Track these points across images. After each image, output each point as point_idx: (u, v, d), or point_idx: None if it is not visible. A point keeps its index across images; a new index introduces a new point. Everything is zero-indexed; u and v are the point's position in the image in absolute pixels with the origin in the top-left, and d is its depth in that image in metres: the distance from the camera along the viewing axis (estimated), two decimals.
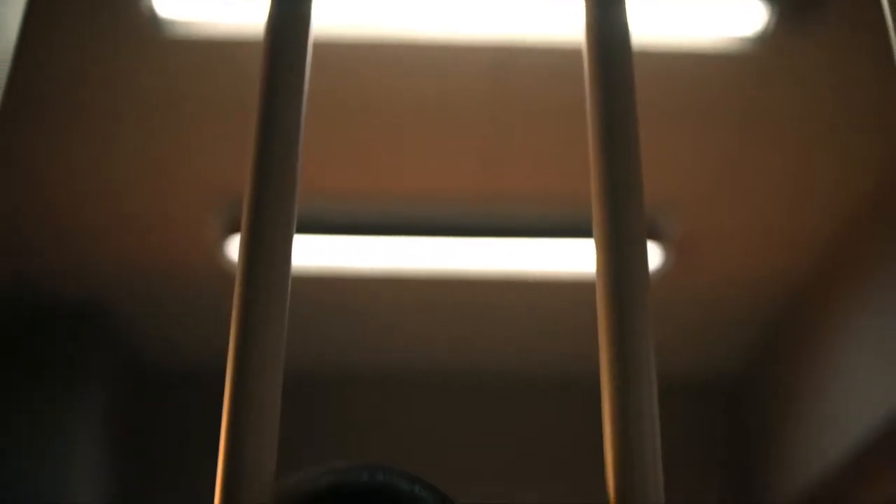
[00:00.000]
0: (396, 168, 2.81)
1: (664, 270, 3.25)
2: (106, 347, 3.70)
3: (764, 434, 3.94)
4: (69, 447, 3.50)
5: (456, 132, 2.65)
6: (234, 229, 3.04)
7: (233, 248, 3.09)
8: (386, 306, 3.53)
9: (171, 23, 2.29)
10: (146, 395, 4.10)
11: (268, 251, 0.44)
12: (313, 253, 3.08)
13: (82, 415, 3.57)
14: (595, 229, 0.50)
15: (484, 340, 3.78)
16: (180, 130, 2.63)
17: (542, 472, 3.94)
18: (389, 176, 2.85)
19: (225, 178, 2.84)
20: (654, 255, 3.12)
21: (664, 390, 4.19)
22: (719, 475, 4.13)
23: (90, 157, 2.72)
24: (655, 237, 3.07)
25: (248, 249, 0.45)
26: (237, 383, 0.43)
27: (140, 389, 4.08)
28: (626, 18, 0.52)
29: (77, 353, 3.57)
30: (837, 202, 2.92)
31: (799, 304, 3.50)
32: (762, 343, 3.86)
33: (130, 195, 2.91)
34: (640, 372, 0.47)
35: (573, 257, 3.10)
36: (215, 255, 3.19)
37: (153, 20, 2.29)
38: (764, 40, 2.34)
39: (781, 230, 3.10)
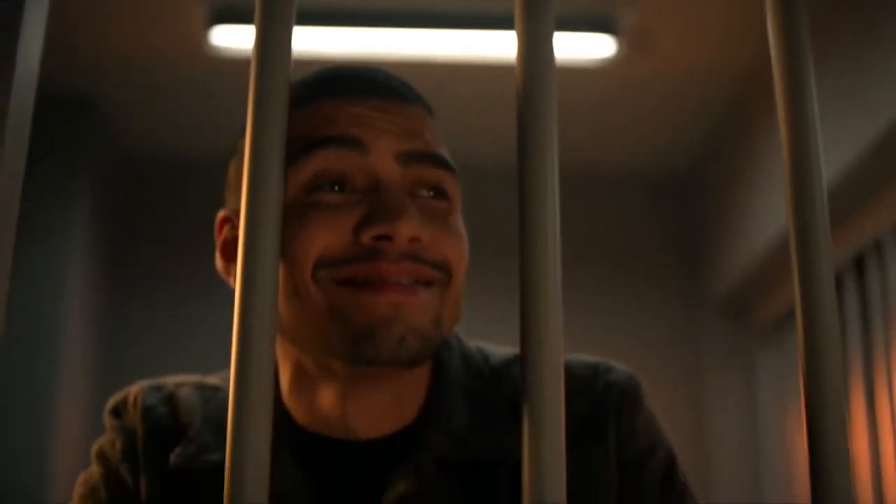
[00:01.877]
0: None
1: (616, 62, 3.33)
2: (92, 140, 3.75)
3: (713, 221, 4.13)
4: (56, 243, 3.60)
5: None
6: (216, 20, 3.07)
7: (216, 38, 3.13)
8: None
9: None
10: (132, 187, 4.19)
11: (272, 38, 0.57)
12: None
13: (68, 208, 3.65)
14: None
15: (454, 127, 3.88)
16: None
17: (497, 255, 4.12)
18: None
19: None
20: (607, 47, 3.20)
21: (617, 180, 4.35)
22: (670, 262, 4.33)
23: None
24: (607, 29, 3.13)
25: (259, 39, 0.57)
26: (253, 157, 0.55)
27: (125, 181, 4.17)
28: None
29: (63, 145, 3.61)
30: None
31: (748, 94, 3.60)
32: (712, 133, 3.99)
33: None
34: (543, 153, 0.59)
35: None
36: (199, 46, 3.23)
37: None
38: None
39: (733, 21, 3.17)
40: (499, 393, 0.85)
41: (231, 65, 3.28)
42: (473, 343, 0.91)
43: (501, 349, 0.90)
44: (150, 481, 0.83)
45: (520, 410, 0.60)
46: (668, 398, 4.12)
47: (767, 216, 3.45)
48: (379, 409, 0.81)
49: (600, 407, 0.85)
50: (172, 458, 0.82)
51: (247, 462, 0.57)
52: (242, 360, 0.58)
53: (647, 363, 4.16)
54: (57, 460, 3.47)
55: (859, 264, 3.23)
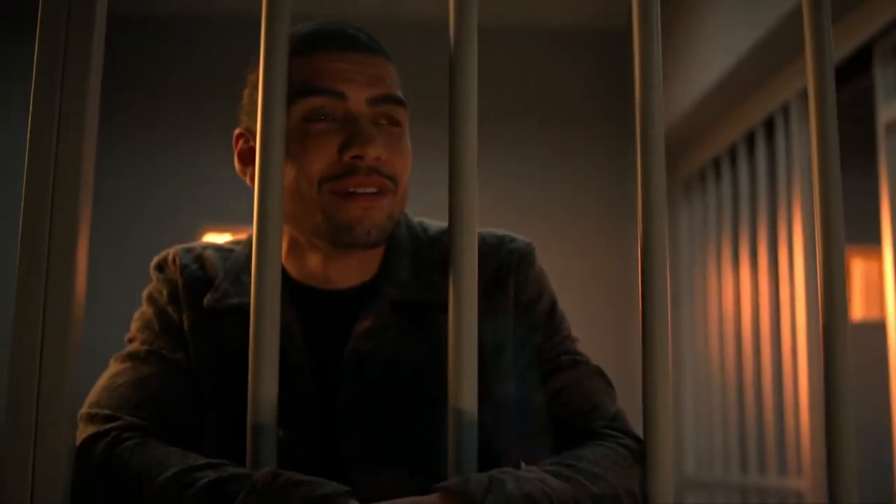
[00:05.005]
0: None
1: None
2: None
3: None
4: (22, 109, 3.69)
5: None
6: None
7: None
8: None
9: None
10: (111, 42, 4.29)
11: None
12: None
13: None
14: None
15: None
16: None
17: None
18: None
19: None
20: None
21: (556, 33, 4.52)
22: (603, 114, 4.59)
23: None
24: None
25: None
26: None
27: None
28: None
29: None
30: None
31: None
32: None
33: None
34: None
35: None
36: None
37: None
38: None
39: None
40: (434, 255, 1.18)
41: None
42: (417, 218, 1.22)
43: (437, 223, 1.22)
44: (190, 317, 1.14)
45: (447, 268, 0.91)
46: (595, 240, 4.46)
47: (695, 74, 3.71)
48: (350, 269, 1.16)
49: (504, 266, 1.18)
50: (205, 301, 1.13)
51: (265, 302, 0.87)
52: (261, 235, 0.87)
53: (578, 207, 4.49)
54: None
55: (769, 126, 3.54)
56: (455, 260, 0.91)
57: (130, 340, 1.16)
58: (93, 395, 1.09)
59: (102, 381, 1.11)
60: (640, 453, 1.00)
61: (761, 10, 3.09)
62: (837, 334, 0.95)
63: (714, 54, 3.50)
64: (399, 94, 1.14)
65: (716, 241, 4.05)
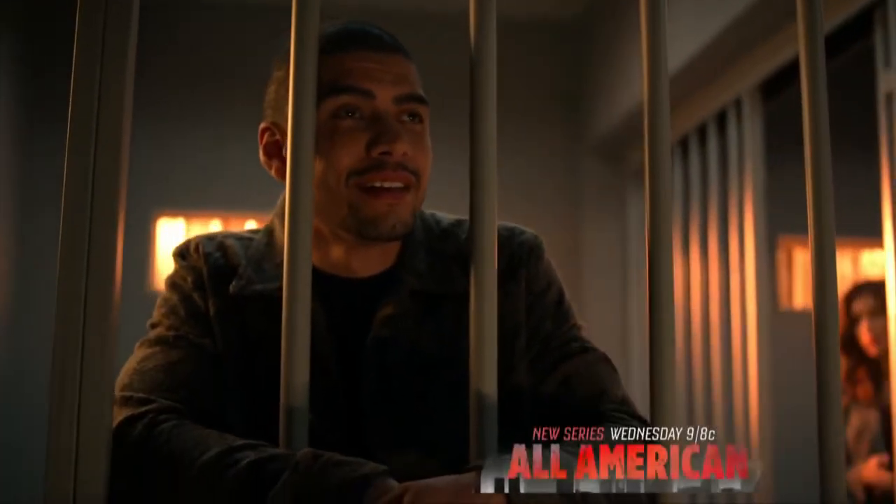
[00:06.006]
0: None
1: None
2: None
3: (597, 69, 4.45)
4: None
5: None
6: None
7: None
8: None
9: None
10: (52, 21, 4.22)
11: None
12: None
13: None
14: None
15: None
16: None
17: None
18: None
19: None
20: None
21: (509, 25, 4.54)
22: (554, 106, 4.65)
23: None
24: None
25: None
26: None
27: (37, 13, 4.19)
28: None
29: None
30: None
31: None
32: None
33: None
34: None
35: None
36: None
37: None
38: None
39: None
40: (447, 247, 1.23)
41: None
42: (429, 211, 1.26)
43: (448, 216, 1.27)
44: (215, 304, 1.16)
45: (466, 260, 0.95)
46: (549, 230, 4.48)
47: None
48: (371, 259, 1.20)
49: (515, 258, 1.23)
50: (231, 288, 1.16)
51: (297, 291, 0.90)
52: (293, 225, 0.90)
53: (530, 198, 4.53)
54: None
55: (721, 118, 3.62)
56: (476, 252, 0.95)
57: (154, 325, 1.18)
58: (123, 378, 1.11)
59: (131, 364, 1.13)
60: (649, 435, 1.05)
61: (714, 6, 3.16)
62: (828, 331, 1.00)
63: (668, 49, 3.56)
64: (421, 92, 1.19)
65: None
